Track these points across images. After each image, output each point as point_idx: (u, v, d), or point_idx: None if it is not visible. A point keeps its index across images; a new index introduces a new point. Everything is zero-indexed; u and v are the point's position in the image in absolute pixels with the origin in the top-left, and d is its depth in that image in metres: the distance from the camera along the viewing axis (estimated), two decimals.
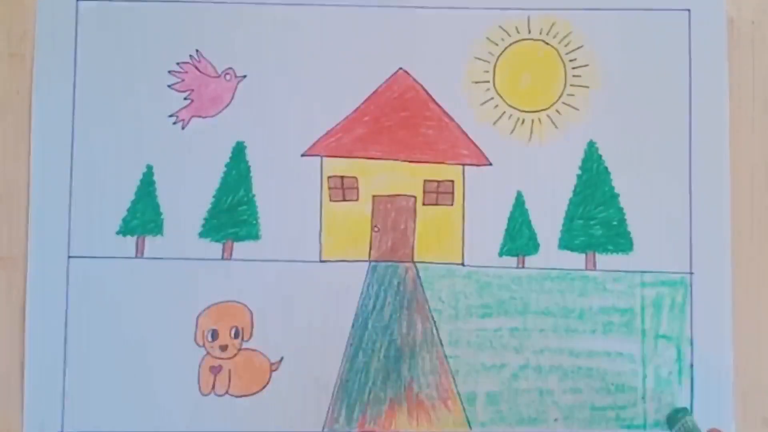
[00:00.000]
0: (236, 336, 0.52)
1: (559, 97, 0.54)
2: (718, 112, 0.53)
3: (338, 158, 0.53)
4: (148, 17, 0.54)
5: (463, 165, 0.53)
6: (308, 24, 0.54)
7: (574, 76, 0.54)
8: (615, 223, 0.53)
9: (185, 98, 0.54)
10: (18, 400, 0.52)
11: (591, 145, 0.54)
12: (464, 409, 0.52)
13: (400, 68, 0.54)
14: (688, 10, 0.54)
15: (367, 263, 0.53)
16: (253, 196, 0.53)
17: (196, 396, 0.52)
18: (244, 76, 0.54)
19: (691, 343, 0.52)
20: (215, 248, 0.53)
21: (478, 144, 0.54)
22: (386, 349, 0.53)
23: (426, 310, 0.53)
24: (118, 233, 0.53)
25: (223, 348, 0.52)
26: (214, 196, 0.53)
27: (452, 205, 0.53)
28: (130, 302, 0.52)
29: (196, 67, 0.54)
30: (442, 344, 0.53)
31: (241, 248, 0.53)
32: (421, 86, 0.54)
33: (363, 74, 0.54)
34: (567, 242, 0.53)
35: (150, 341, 0.52)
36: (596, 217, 0.53)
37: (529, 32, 0.54)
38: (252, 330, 0.52)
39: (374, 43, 0.54)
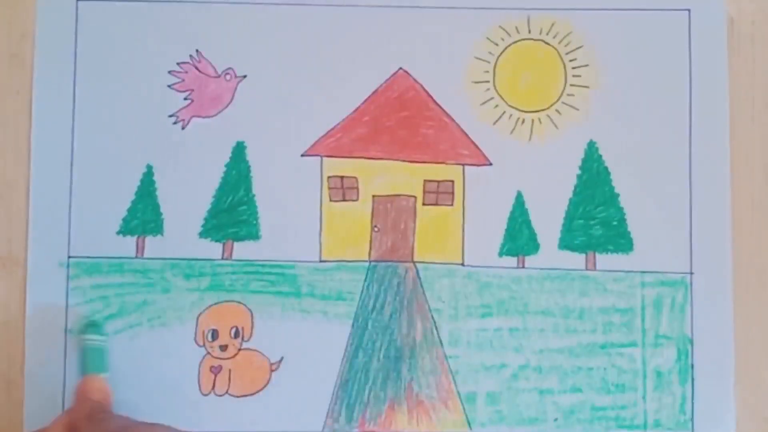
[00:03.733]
0: (236, 336, 0.52)
1: (559, 97, 0.54)
2: (718, 112, 0.53)
3: (338, 158, 0.53)
4: (148, 17, 0.54)
5: (463, 165, 0.53)
6: (308, 24, 0.54)
7: (574, 76, 0.54)
8: (615, 223, 0.53)
9: (185, 98, 0.54)
10: (18, 401, 0.52)
11: (591, 145, 0.54)
12: (464, 409, 0.52)
13: (400, 68, 0.54)
14: (688, 10, 0.54)
15: (367, 263, 0.53)
16: (253, 196, 0.53)
17: (196, 396, 0.52)
18: (244, 76, 0.54)
19: (691, 343, 0.52)
20: (215, 248, 0.53)
21: (478, 144, 0.54)
22: (386, 349, 0.53)
23: (426, 310, 0.53)
24: (118, 233, 0.53)
25: (223, 348, 0.52)
26: (214, 196, 0.53)
27: (452, 205, 0.53)
28: (130, 302, 0.52)
29: (196, 67, 0.54)
30: (442, 344, 0.52)
31: (241, 248, 0.53)
32: (421, 86, 0.54)
33: (363, 74, 0.54)
34: (567, 242, 0.53)
35: (150, 341, 0.52)
36: (596, 217, 0.53)
37: (529, 32, 0.54)
38: (252, 330, 0.52)
39: (374, 43, 0.54)
